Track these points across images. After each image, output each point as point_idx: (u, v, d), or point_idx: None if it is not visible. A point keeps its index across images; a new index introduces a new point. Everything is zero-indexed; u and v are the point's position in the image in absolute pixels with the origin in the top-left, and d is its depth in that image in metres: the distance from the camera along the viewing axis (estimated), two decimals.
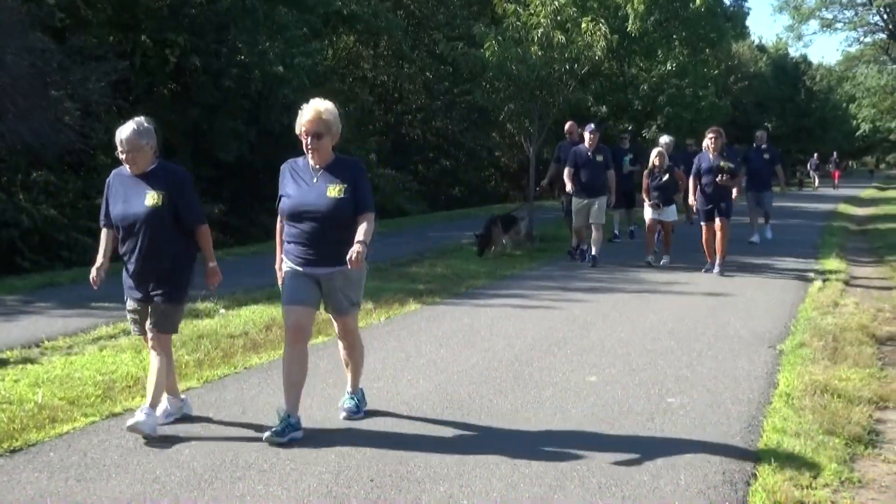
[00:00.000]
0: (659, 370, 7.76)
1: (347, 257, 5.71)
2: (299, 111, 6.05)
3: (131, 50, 21.61)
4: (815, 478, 5.18)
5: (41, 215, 18.22)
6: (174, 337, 8.72)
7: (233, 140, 22.73)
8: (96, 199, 20.36)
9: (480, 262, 15.08)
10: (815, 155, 53.92)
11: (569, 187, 14.64)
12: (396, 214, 29.34)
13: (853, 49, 58.49)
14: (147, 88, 22.73)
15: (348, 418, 6.26)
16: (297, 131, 6.02)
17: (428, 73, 35.06)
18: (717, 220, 13.75)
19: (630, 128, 30.22)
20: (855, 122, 62.57)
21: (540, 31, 18.45)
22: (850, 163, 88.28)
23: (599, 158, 14.62)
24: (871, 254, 17.68)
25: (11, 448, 5.61)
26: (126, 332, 9.21)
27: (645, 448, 5.68)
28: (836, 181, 52.46)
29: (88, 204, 20.09)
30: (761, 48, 73.13)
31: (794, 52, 71.22)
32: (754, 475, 5.23)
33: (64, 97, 18.05)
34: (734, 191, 15.55)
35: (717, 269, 13.83)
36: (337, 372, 7.60)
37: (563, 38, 18.45)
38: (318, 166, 6.02)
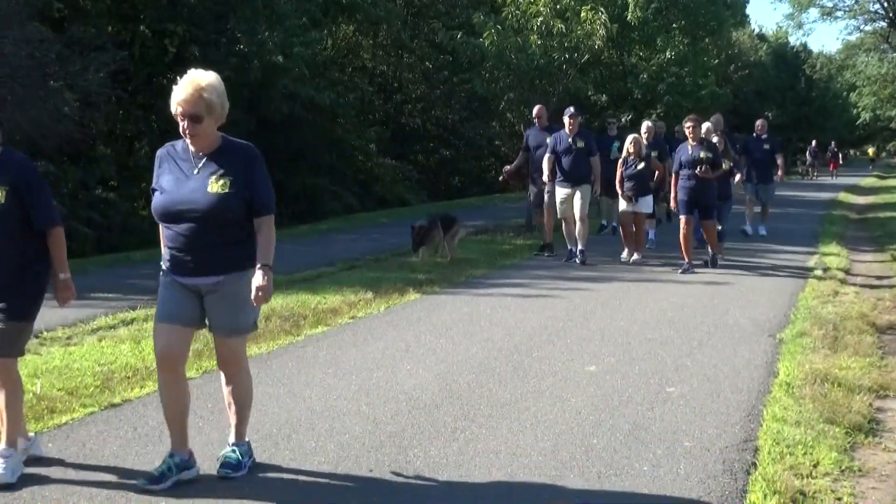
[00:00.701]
0: (659, 359, 7.75)
1: (252, 296, 4.76)
2: (174, 86, 4.93)
3: (130, 40, 21.58)
4: (815, 467, 5.17)
5: None
6: None
7: (232, 130, 22.65)
8: (96, 190, 20.44)
9: (480, 252, 15.04)
10: (814, 143, 53.69)
11: (545, 176, 13.67)
12: (396, 204, 29.33)
13: (853, 37, 58.24)
14: (146, 79, 22.71)
15: (225, 476, 4.94)
16: (172, 111, 4.89)
17: (427, 63, 35.00)
18: (703, 221, 13.10)
19: (630, 116, 30.17)
20: (855, 111, 62.44)
21: (539, 19, 18.46)
22: (850, 151, 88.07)
23: (581, 144, 13.47)
24: (872, 242, 17.68)
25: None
26: (125, 323, 9.22)
27: (645, 437, 5.68)
28: (834, 171, 52.24)
29: (88, 194, 20.14)
30: (761, 37, 73.06)
31: (795, 40, 71.12)
32: (754, 464, 5.22)
33: (63, 87, 18.03)
34: (737, 177, 15.40)
35: (710, 258, 13.27)
36: (336, 362, 7.60)
37: (563, 27, 18.45)
38: (200, 153, 4.96)
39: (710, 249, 13.31)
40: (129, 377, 7.08)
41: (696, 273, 12.66)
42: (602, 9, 19.53)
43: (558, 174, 13.55)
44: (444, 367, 7.51)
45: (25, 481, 4.89)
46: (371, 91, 33.94)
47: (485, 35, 18.21)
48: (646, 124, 16.20)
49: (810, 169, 51.86)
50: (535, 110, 15.54)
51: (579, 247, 13.63)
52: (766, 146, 18.05)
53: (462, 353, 8.01)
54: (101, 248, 18.47)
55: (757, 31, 73.39)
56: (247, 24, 23.45)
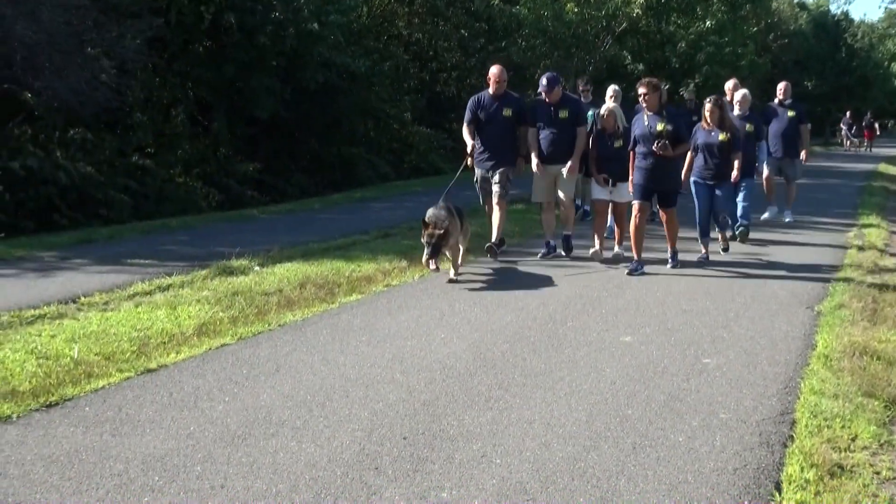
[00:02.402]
0: (695, 330, 7.70)
1: None
2: None
3: (166, 7, 21.54)
4: (853, 440, 5.12)
5: (78, 173, 18.32)
6: (208, 294, 8.81)
7: (268, 98, 22.68)
8: (132, 157, 20.53)
9: (514, 221, 14.97)
10: (848, 113, 52.72)
11: (534, 158, 11.46)
12: (431, 173, 29.24)
13: None
14: (182, 46, 22.69)
15: None
16: None
17: (463, 31, 34.75)
18: (661, 210, 10.90)
19: (667, 86, 29.85)
20: None
21: None
22: (888, 122, 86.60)
23: (564, 114, 11.29)
24: None
25: (48, 402, 5.65)
26: (161, 289, 9.27)
27: (680, 409, 5.64)
28: (869, 141, 50.73)
29: (125, 161, 20.22)
30: (801, 5, 72.01)
31: (835, 8, 70.45)
32: (791, 437, 5.17)
33: (100, 54, 18.05)
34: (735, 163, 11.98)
35: (669, 262, 10.90)
36: (371, 330, 7.61)
37: None
38: None
39: (669, 247, 10.96)
40: (164, 343, 7.12)
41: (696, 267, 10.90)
42: None
43: (537, 151, 11.48)
44: (477, 335, 7.49)
45: (62, 444, 4.93)
46: (406, 59, 33.78)
47: (521, 2, 18.04)
48: (612, 88, 12.90)
49: (846, 140, 51.00)
50: (492, 72, 11.51)
51: (565, 231, 11.81)
52: (791, 113, 15.36)
53: (496, 321, 7.98)
54: (137, 215, 18.54)
55: None
56: None
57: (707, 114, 11.46)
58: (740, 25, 32.72)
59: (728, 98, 13.88)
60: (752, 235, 13.33)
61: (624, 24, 18.91)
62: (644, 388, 6.07)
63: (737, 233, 12.96)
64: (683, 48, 31.66)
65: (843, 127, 51.81)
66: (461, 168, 11.85)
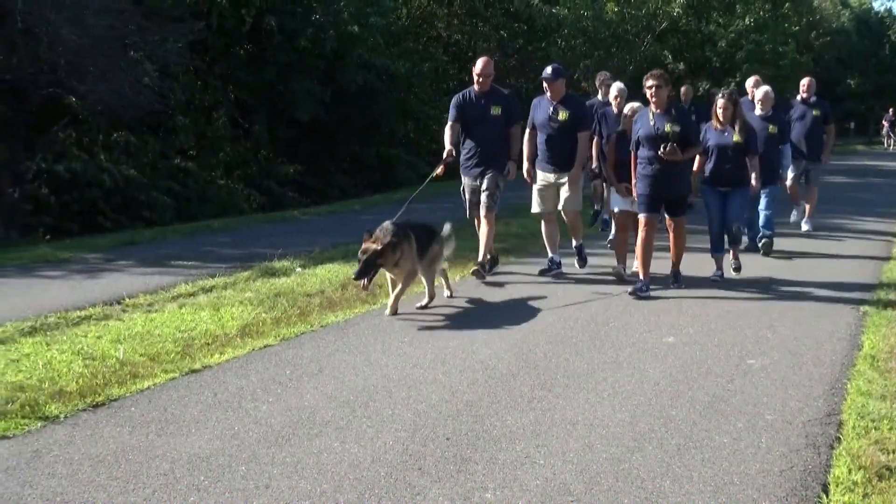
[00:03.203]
0: (738, 331, 7.64)
1: None
2: None
3: (208, 10, 21.72)
4: None
5: (122, 175, 18.55)
6: (251, 295, 8.86)
7: (308, 100, 22.81)
8: (175, 160, 20.73)
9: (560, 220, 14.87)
10: (891, 111, 51.90)
11: (525, 164, 10.32)
12: None
13: None
14: (223, 49, 22.87)
15: None
16: None
17: (502, 32, 34.73)
18: (669, 219, 9.61)
19: (708, 85, 29.65)
20: None
21: None
22: None
23: (564, 116, 9.95)
24: None
25: (94, 403, 5.72)
26: (204, 290, 9.34)
27: (725, 410, 5.60)
28: None
29: (167, 164, 20.43)
30: (844, 3, 71.15)
31: (879, 5, 69.48)
32: (838, 439, 5.12)
33: (142, 58, 18.24)
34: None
35: (672, 282, 9.70)
36: (412, 331, 7.62)
37: None
38: None
39: (672, 263, 9.76)
40: (208, 344, 7.17)
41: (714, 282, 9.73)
42: None
43: (537, 155, 10.33)
44: (519, 336, 7.48)
45: (108, 444, 4.98)
46: (445, 60, 33.79)
47: (561, 2, 18.00)
48: (617, 86, 11.85)
49: (888, 138, 50.22)
50: (478, 66, 10.12)
51: (575, 242, 10.67)
52: (815, 112, 13.90)
53: (538, 322, 7.97)
54: (179, 217, 18.74)
55: None
56: None
57: (719, 111, 10.10)
58: (781, 23, 32.41)
59: (749, 96, 12.72)
60: (778, 246, 12.08)
61: (664, 24, 18.83)
62: (688, 389, 6.03)
63: (759, 245, 11.82)
64: (724, 47, 31.43)
65: (886, 124, 51.00)
66: (430, 177, 10.29)
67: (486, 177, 9.91)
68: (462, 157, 10.12)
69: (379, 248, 8.06)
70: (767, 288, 9.54)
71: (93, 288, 9.54)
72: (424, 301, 8.63)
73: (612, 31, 17.40)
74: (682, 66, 31.79)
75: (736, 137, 10.01)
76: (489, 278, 10.02)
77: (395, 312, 8.28)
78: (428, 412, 5.54)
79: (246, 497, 4.32)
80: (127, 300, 8.87)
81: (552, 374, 6.35)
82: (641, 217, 9.35)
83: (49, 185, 17.81)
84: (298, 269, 10.37)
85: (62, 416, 5.46)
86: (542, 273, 10.29)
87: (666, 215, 9.63)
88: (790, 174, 13.64)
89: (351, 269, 10.17)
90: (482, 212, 9.96)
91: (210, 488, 4.41)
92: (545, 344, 7.19)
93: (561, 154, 10.07)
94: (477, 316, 8.26)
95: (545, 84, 10.14)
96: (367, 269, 8.04)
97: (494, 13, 33.44)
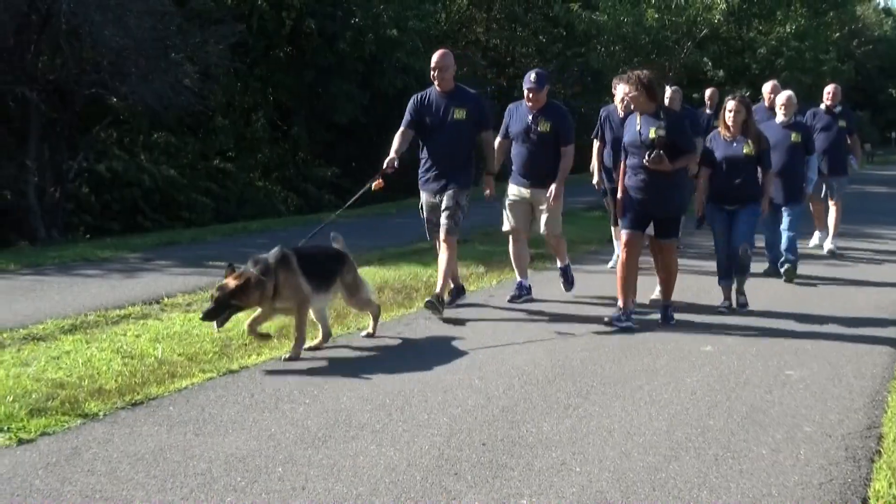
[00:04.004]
0: (776, 341, 7.58)
1: None
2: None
3: (249, 13, 21.90)
4: None
5: (161, 175, 18.74)
6: None
7: (346, 103, 22.91)
8: (214, 161, 20.89)
9: (592, 228, 14.85)
10: None
11: (489, 180, 9.02)
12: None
13: None
14: (263, 51, 23.04)
15: None
16: None
17: (541, 37, 34.74)
18: (655, 242, 8.41)
19: (748, 92, 29.42)
20: None
21: None
22: None
23: (545, 127, 8.82)
24: None
25: (133, 401, 5.76)
26: None
27: (763, 420, 5.55)
28: None
29: (207, 165, 20.60)
30: (887, 11, 70.57)
31: None
32: (878, 452, 5.06)
33: (183, 60, 18.42)
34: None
35: (662, 310, 8.40)
36: (449, 335, 7.62)
37: (682, 0, 18.06)
38: None
39: (662, 295, 8.52)
40: (245, 344, 7.21)
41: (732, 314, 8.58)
42: None
43: (513, 167, 9.24)
44: (556, 342, 7.46)
45: (147, 442, 5.02)
46: (483, 65, 33.86)
47: (602, 8, 17.96)
48: (668, 89, 10.96)
49: None
50: (434, 58, 8.74)
51: (560, 263, 9.56)
52: (841, 123, 12.63)
53: (575, 328, 7.94)
54: (218, 218, 18.90)
55: (882, 4, 70.93)
56: None
57: (728, 116, 8.84)
58: (823, 31, 32.15)
59: (766, 103, 11.85)
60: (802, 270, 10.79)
61: (704, 30, 18.73)
62: (726, 399, 5.99)
63: (782, 271, 10.56)
64: (764, 54, 31.23)
65: None
66: (362, 191, 8.72)
67: (447, 193, 8.47)
68: (420, 170, 8.78)
69: (236, 285, 6.58)
70: (806, 298, 9.44)
71: (132, 287, 9.63)
72: (317, 341, 7.19)
73: (652, 37, 17.34)
74: (721, 72, 31.63)
75: (747, 149, 8.76)
76: (449, 312, 8.46)
77: (296, 358, 6.79)
78: (464, 417, 5.54)
79: (283, 498, 4.34)
80: (166, 300, 8.94)
81: (588, 382, 6.33)
82: (623, 234, 8.27)
83: (90, 184, 18.03)
84: None
85: (101, 413, 5.51)
86: (512, 301, 9.05)
87: (654, 237, 8.35)
88: (811, 189, 11.96)
89: (389, 272, 10.23)
90: (441, 234, 8.48)
91: (247, 489, 4.43)
92: (581, 351, 7.17)
93: (538, 168, 8.90)
94: (513, 321, 8.24)
95: (527, 91, 8.85)
96: (219, 310, 6.58)
97: (534, 18, 33.45)
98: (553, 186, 8.81)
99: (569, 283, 9.50)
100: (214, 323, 6.66)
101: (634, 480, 4.60)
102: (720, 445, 5.11)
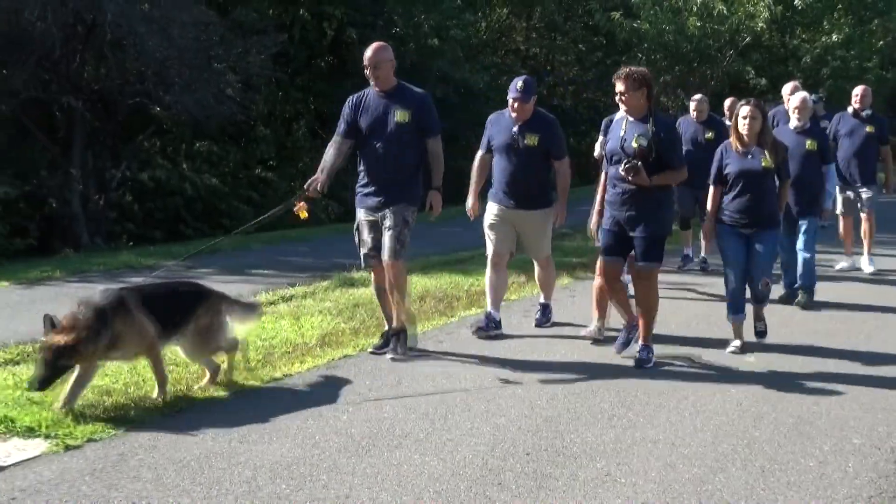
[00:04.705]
0: (821, 351, 7.49)
1: None
2: None
3: (290, 23, 22.03)
4: None
5: (204, 184, 18.89)
6: (330, 305, 8.93)
7: None
8: (256, 170, 21.03)
9: None
10: None
11: (471, 197, 8.25)
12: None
13: None
14: (305, 61, 23.16)
15: None
16: None
17: (580, 45, 34.68)
18: (633, 266, 7.33)
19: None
20: None
21: (699, 0, 18.00)
22: None
23: (532, 141, 7.81)
24: None
25: (178, 408, 5.80)
26: (285, 300, 9.45)
27: (810, 432, 5.49)
28: None
29: (248, 174, 20.74)
30: None
31: None
32: None
33: (226, 70, 18.56)
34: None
35: (637, 347, 7.18)
36: (490, 344, 7.59)
37: (724, 9, 17.95)
38: None
39: (641, 333, 7.21)
40: (289, 352, 7.24)
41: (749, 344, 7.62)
42: None
43: (494, 183, 8.18)
44: (598, 351, 7.43)
45: (192, 449, 5.05)
46: (523, 73, 33.92)
47: (643, 17, 17.90)
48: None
49: None
50: (369, 56, 7.44)
51: (543, 298, 8.59)
52: (869, 128, 11.28)
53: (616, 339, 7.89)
54: (259, 226, 18.99)
55: None
56: (403, 6, 23.66)
57: (743, 125, 7.49)
58: (868, 39, 31.80)
59: (787, 105, 10.31)
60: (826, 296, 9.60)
61: (747, 39, 18.61)
62: (771, 410, 5.93)
63: (799, 299, 9.37)
64: (808, 63, 30.93)
65: None
66: (270, 214, 8.20)
67: (390, 210, 7.17)
68: (357, 183, 7.45)
69: (65, 342, 5.45)
70: (852, 308, 9.31)
71: None
72: (204, 381, 6.32)
73: (694, 45, 17.26)
74: (764, 81, 31.38)
75: (765, 162, 7.47)
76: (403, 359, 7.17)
77: (165, 398, 5.95)
78: (507, 426, 5.52)
79: None
80: None
81: (632, 392, 6.29)
82: (599, 262, 7.46)
83: (133, 192, 18.21)
84: None
85: (146, 420, 5.54)
86: (477, 332, 7.90)
87: (633, 261, 7.28)
88: (838, 207, 11.29)
89: (430, 281, 10.22)
90: (385, 256, 7.13)
91: (292, 496, 4.44)
92: (624, 360, 7.13)
93: (524, 186, 7.91)
94: (555, 330, 8.21)
95: (511, 101, 7.83)
96: (54, 376, 5.49)
97: (573, 26, 33.41)
98: (558, 209, 8.02)
99: (545, 318, 8.47)
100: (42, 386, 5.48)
101: (680, 492, 4.56)
102: (767, 457, 5.06)
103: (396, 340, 7.16)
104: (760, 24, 17.63)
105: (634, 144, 6.81)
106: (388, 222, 7.14)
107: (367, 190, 7.34)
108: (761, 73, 30.73)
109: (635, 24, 18.49)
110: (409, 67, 23.54)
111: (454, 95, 24.77)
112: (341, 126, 7.44)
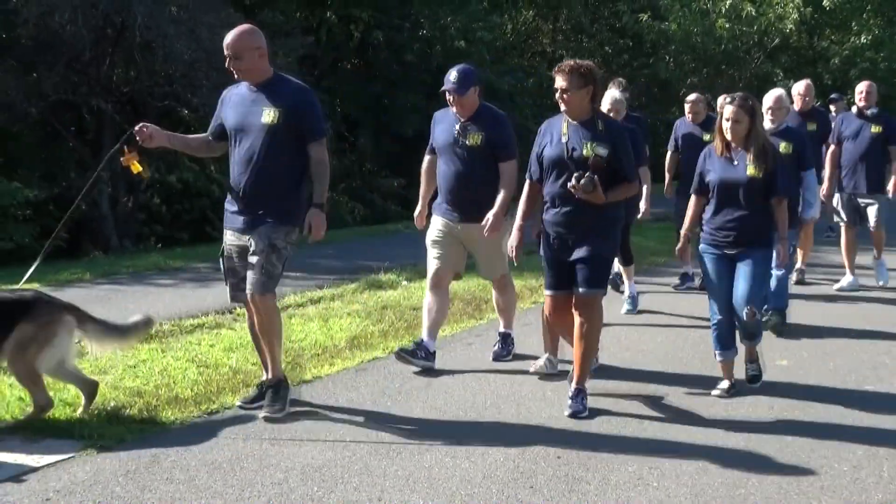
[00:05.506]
0: (854, 356, 7.42)
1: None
2: None
3: (317, 26, 22.09)
4: None
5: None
6: (359, 307, 8.94)
7: (413, 114, 22.98)
8: None
9: (661, 239, 14.70)
10: None
11: (418, 208, 7.45)
12: None
13: None
14: (332, 63, 23.22)
15: None
16: None
17: (607, 48, 34.60)
18: (575, 294, 5.98)
19: (818, 104, 28.95)
20: None
21: (728, 2, 17.91)
22: None
23: (476, 139, 6.76)
24: None
25: (209, 410, 5.83)
26: (313, 302, 9.47)
27: (843, 437, 5.44)
28: None
29: None
30: None
31: None
32: None
33: None
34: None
35: (571, 393, 5.94)
36: (519, 347, 7.56)
37: (753, 10, 17.85)
38: None
39: (575, 377, 6.00)
40: (318, 354, 7.26)
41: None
42: None
43: (438, 191, 7.19)
44: (628, 355, 7.41)
45: (224, 451, 5.07)
46: (549, 76, 33.84)
47: (671, 18, 17.83)
48: (616, 93, 9.16)
49: None
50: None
51: (503, 326, 7.40)
52: (875, 128, 9.95)
53: (647, 342, 7.88)
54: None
55: None
56: (430, 8, 23.67)
57: (727, 126, 6.26)
58: None
59: (798, 105, 9.82)
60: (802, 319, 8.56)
61: (776, 40, 18.50)
62: (803, 414, 5.90)
63: (769, 320, 8.10)
64: (836, 64, 30.72)
65: None
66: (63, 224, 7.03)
67: (256, 232, 5.77)
68: (228, 199, 6.14)
69: None
70: (884, 311, 9.23)
71: (204, 296, 9.74)
72: (28, 414, 5.55)
73: (722, 47, 17.17)
74: (791, 83, 31.17)
75: (752, 170, 6.21)
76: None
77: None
78: (537, 429, 5.52)
79: None
80: (238, 309, 8.98)
81: (664, 395, 6.26)
82: (546, 297, 6.30)
83: (161, 195, 18.29)
84: (404, 283, 10.43)
85: (178, 422, 5.57)
86: (403, 358, 6.85)
87: (573, 286, 6.00)
88: (842, 214, 10.29)
89: (459, 283, 10.11)
90: (250, 290, 5.78)
91: (324, 499, 4.45)
92: (655, 363, 7.10)
93: (469, 194, 6.81)
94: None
95: (448, 95, 6.94)
96: None
97: (600, 28, 33.32)
98: (490, 215, 6.65)
99: (505, 349, 7.28)
100: None
101: (713, 496, 4.54)
102: (800, 461, 5.03)
103: (273, 395, 5.76)
104: (790, 26, 17.51)
105: (586, 153, 5.72)
106: (252, 247, 5.76)
107: (233, 207, 5.94)
108: (789, 75, 30.53)
109: (663, 26, 18.43)
110: (436, 70, 23.58)
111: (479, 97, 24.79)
112: (212, 125, 6.18)
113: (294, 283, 10.48)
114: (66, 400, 5.78)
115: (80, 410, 5.64)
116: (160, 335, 7.77)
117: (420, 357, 6.85)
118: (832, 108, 14.09)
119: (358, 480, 4.68)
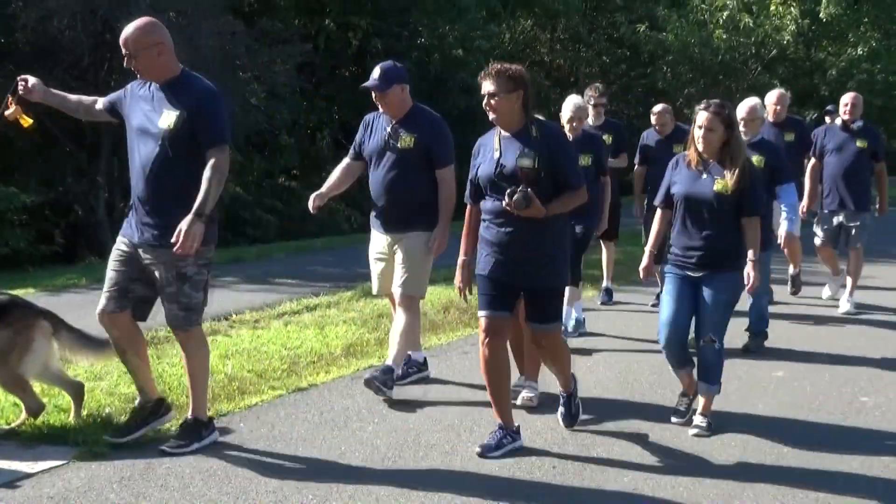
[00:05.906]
0: (849, 367, 7.42)
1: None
2: None
3: (315, 33, 22.14)
4: None
5: (227, 193, 18.93)
6: (355, 315, 8.94)
7: None
8: (279, 178, 21.09)
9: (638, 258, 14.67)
10: None
11: (312, 195, 6.83)
12: None
13: None
14: (330, 71, 23.27)
15: None
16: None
17: (605, 57, 34.68)
18: (530, 329, 5.50)
19: (815, 115, 29.03)
20: None
21: (726, 13, 17.96)
22: None
23: (407, 142, 6.31)
24: None
25: None
26: (309, 309, 9.46)
27: (838, 449, 5.44)
28: None
29: (272, 183, 20.80)
30: None
31: None
32: None
33: (251, 79, 18.66)
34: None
35: (562, 400, 5.81)
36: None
37: (750, 21, 17.89)
38: None
39: (559, 384, 5.87)
40: (314, 362, 7.25)
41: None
42: (794, 2, 18.82)
43: (372, 203, 6.66)
44: (624, 365, 7.40)
45: (219, 457, 5.06)
46: (547, 85, 33.85)
47: (669, 29, 17.87)
48: (577, 98, 8.33)
49: None
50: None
51: (391, 356, 6.33)
52: (860, 143, 9.41)
53: (642, 351, 7.86)
54: (282, 235, 19.07)
55: None
56: (429, 17, 23.74)
57: (699, 135, 5.62)
58: (894, 53, 31.66)
59: (771, 116, 9.16)
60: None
61: (773, 52, 18.54)
62: (798, 425, 5.89)
63: (747, 343, 7.97)
64: (833, 76, 30.82)
65: None
66: None
67: (160, 261, 5.12)
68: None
69: None
70: (880, 323, 9.23)
71: None
72: (20, 419, 5.51)
73: (719, 58, 17.21)
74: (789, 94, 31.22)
75: (720, 186, 5.58)
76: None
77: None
78: (533, 439, 5.51)
79: None
80: (234, 316, 9.02)
81: (658, 404, 6.26)
82: (481, 319, 5.36)
83: None
84: None
85: (173, 428, 5.55)
86: (401, 376, 6.50)
87: (527, 321, 5.53)
88: (818, 233, 9.75)
89: (454, 291, 10.15)
90: (173, 325, 5.26)
91: None
92: (650, 373, 7.09)
93: (398, 202, 6.36)
94: (581, 342, 8.17)
95: (374, 95, 6.38)
96: None
97: (598, 38, 33.38)
98: (436, 233, 6.32)
99: (387, 386, 6.09)
100: None
101: None
102: (794, 473, 5.03)
103: (197, 432, 5.25)
104: (787, 37, 17.56)
105: (523, 164, 5.11)
106: (158, 279, 5.13)
107: (132, 219, 5.27)
108: (786, 86, 30.59)
109: (660, 37, 18.47)
110: (433, 78, 23.62)
111: (478, 106, 24.80)
112: (108, 97, 5.59)
113: (290, 290, 10.51)
114: (61, 406, 5.77)
115: (72, 416, 5.64)
116: (155, 341, 7.75)
117: (412, 374, 6.71)
118: (827, 119, 13.96)
119: (353, 489, 4.67)
